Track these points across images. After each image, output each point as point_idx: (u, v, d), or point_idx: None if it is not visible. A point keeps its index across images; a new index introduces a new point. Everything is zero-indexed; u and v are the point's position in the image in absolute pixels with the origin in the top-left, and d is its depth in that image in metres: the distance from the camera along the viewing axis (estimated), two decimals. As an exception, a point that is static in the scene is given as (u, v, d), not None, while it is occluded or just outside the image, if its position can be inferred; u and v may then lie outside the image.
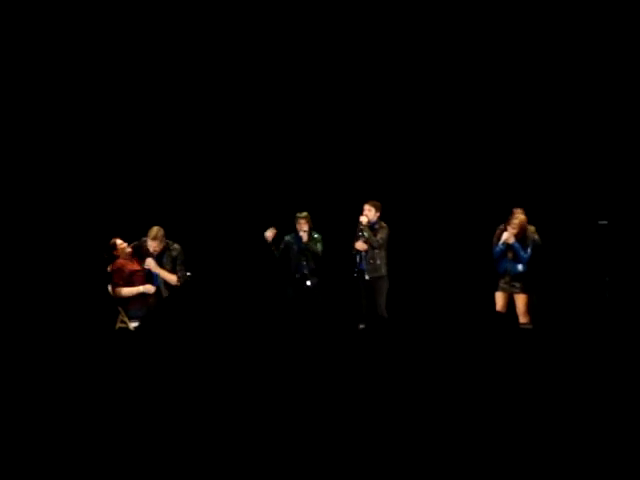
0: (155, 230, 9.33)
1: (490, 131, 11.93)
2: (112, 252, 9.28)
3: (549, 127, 11.73)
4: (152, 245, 9.32)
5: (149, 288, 9.24)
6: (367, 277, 10.26)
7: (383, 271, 10.31)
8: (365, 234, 10.22)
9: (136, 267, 9.28)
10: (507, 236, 9.56)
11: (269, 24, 11.72)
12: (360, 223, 10.28)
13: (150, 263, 9.33)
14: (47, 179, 11.65)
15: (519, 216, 9.60)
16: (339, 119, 12.20)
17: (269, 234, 10.39)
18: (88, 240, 11.22)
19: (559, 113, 11.68)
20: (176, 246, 9.49)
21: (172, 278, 9.36)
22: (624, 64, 11.26)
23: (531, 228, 10.36)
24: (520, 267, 9.58)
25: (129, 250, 9.34)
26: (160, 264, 9.34)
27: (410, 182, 12.02)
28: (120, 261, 9.25)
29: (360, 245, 10.26)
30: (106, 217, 11.40)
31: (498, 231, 9.73)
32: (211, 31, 11.71)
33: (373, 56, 11.93)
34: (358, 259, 10.33)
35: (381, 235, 10.29)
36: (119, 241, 9.34)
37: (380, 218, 10.42)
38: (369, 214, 10.31)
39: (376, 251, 10.26)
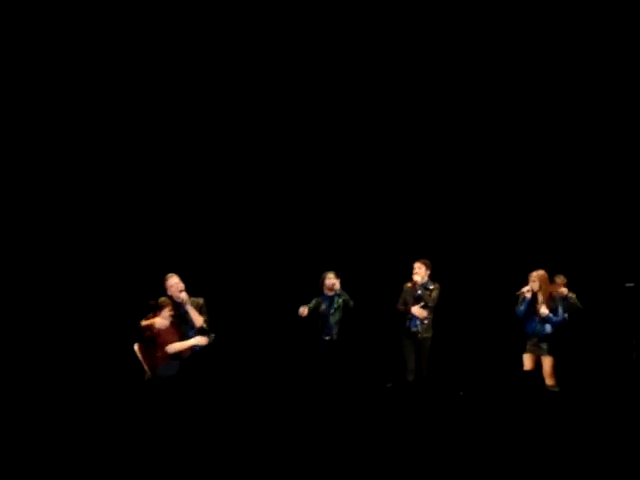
0: (170, 274, 9.33)
1: (519, 190, 11.97)
2: (157, 311, 9.16)
3: (577, 189, 11.77)
4: (177, 282, 9.26)
5: (200, 340, 9.17)
6: (419, 337, 10.15)
7: (431, 331, 10.26)
8: (420, 293, 10.14)
9: (175, 337, 9.16)
10: (527, 289, 9.57)
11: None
12: (414, 282, 10.19)
13: (184, 296, 9.26)
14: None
15: (539, 272, 9.63)
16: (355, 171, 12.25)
17: (304, 311, 10.19)
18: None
19: (587, 174, 11.73)
20: (199, 299, 9.45)
21: (200, 319, 9.27)
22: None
23: (572, 295, 10.42)
24: (548, 328, 9.57)
25: (170, 320, 9.20)
26: (183, 312, 9.27)
27: (436, 240, 12.01)
28: (161, 325, 9.09)
29: (419, 312, 10.17)
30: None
31: (521, 294, 9.73)
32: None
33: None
34: (411, 319, 10.21)
35: (435, 295, 10.22)
36: (171, 307, 9.18)
37: (431, 277, 10.32)
38: (419, 272, 10.24)
39: (428, 310, 10.19)
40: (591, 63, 11.53)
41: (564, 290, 10.50)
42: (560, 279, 10.59)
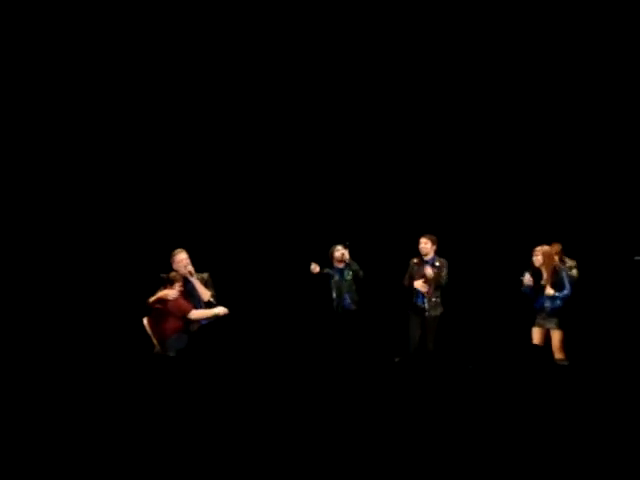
0: (178, 249, 9.37)
1: (524, 165, 11.94)
2: (167, 285, 9.22)
3: (584, 163, 11.74)
4: (184, 258, 9.30)
5: (221, 310, 9.23)
6: (427, 314, 10.13)
7: (440, 309, 10.23)
8: (429, 275, 10.08)
9: (189, 307, 9.20)
10: (528, 277, 9.59)
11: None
12: (420, 258, 10.18)
13: (192, 270, 9.31)
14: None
15: (543, 247, 9.63)
16: (364, 151, 12.25)
17: (316, 268, 10.24)
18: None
19: (593, 151, 11.69)
20: (204, 274, 9.50)
21: (207, 293, 9.33)
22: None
23: (571, 263, 10.39)
24: (557, 302, 9.57)
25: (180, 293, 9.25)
26: (190, 287, 9.33)
27: (443, 214, 12.00)
28: (176, 293, 9.14)
29: (421, 286, 10.15)
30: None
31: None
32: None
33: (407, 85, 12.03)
34: (417, 295, 10.21)
35: (445, 273, 10.19)
36: (181, 282, 9.24)
37: (437, 253, 10.30)
38: (426, 247, 10.22)
39: (438, 289, 10.17)
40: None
41: (571, 263, 10.50)
42: (556, 247, 10.59)
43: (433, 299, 10.13)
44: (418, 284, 10.15)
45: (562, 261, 10.33)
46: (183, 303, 9.12)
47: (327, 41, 11.79)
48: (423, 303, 10.11)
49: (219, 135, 12.20)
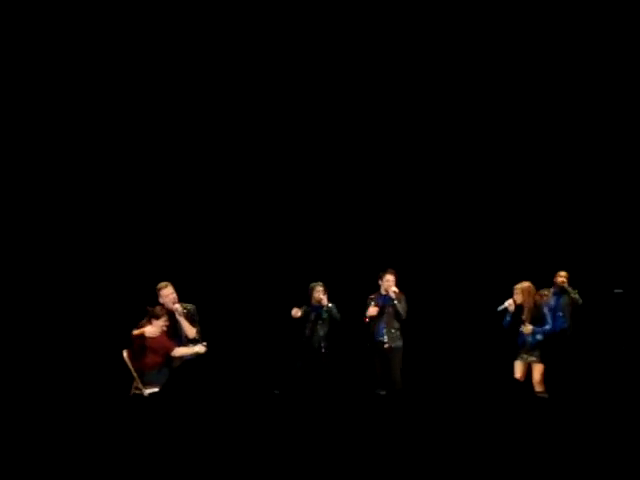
0: (164, 282, 9.34)
1: (508, 199, 12.01)
2: (151, 319, 9.18)
3: (565, 198, 11.82)
4: (170, 292, 9.27)
5: (201, 349, 9.19)
6: (386, 346, 10.12)
7: (401, 341, 10.22)
8: (396, 303, 10.10)
9: (171, 345, 9.18)
10: (509, 302, 9.58)
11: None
12: (388, 292, 10.13)
13: (178, 308, 9.27)
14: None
15: (522, 284, 9.64)
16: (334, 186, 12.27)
17: (297, 312, 10.27)
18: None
19: (576, 181, 11.78)
20: (189, 305, 9.46)
21: (192, 331, 9.29)
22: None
23: (573, 291, 10.45)
24: (538, 336, 9.57)
25: (165, 329, 9.23)
26: (175, 321, 9.29)
27: (425, 247, 12.03)
28: (156, 331, 9.12)
29: (371, 310, 10.16)
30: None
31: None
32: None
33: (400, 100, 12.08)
34: (378, 328, 10.19)
35: (404, 305, 10.18)
36: (166, 317, 9.22)
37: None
38: (391, 281, 10.19)
39: (396, 320, 10.17)
40: (584, 61, 11.58)
41: (564, 280, 10.53)
42: (562, 274, 10.64)
43: (392, 331, 10.14)
44: (371, 310, 10.15)
45: (565, 287, 10.41)
46: (166, 340, 9.08)
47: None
48: (382, 336, 10.12)
49: (204, 172, 12.21)
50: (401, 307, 10.13)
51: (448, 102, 12.05)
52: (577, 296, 10.61)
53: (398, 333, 10.20)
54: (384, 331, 10.15)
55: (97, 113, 11.87)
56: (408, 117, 12.14)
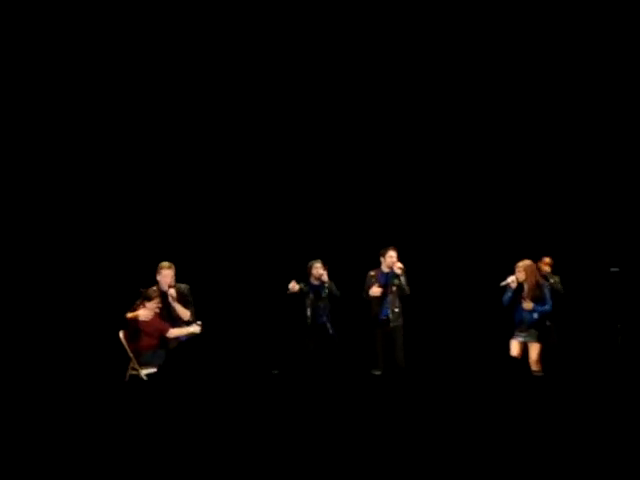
0: (168, 263, 9.34)
1: (504, 179, 12.00)
2: (144, 301, 9.19)
3: (563, 174, 11.82)
4: (169, 275, 9.29)
5: (196, 328, 9.21)
6: (391, 325, 10.10)
7: (402, 319, 10.19)
8: (403, 282, 10.08)
9: (165, 327, 9.18)
10: (512, 279, 9.58)
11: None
12: (393, 269, 10.08)
13: (172, 293, 9.28)
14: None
15: (524, 262, 9.63)
16: (340, 164, 12.25)
17: (295, 286, 10.26)
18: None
19: (572, 160, 11.77)
20: (183, 285, 9.45)
21: (186, 313, 9.31)
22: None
23: (555, 278, 10.44)
24: (535, 316, 9.57)
25: (158, 311, 9.23)
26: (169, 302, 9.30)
27: (423, 226, 12.03)
28: (149, 314, 9.13)
29: (375, 290, 10.13)
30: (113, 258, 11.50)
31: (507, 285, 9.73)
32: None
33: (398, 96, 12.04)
34: (381, 306, 10.16)
35: (406, 281, 10.16)
36: (159, 299, 9.21)
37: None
38: (394, 257, 10.16)
39: (398, 299, 10.15)
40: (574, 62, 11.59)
41: (547, 268, 10.54)
42: (546, 260, 10.63)
43: (396, 310, 10.11)
44: (373, 290, 10.13)
45: (546, 275, 10.40)
46: (159, 322, 9.10)
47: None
48: (386, 315, 10.09)
49: (199, 154, 12.17)
50: (405, 283, 10.13)
51: (439, 93, 12.03)
52: (559, 286, 10.61)
53: (400, 311, 10.20)
54: (388, 310, 10.13)
55: (91, 109, 11.85)
56: (403, 103, 12.11)
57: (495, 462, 4.69)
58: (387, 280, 10.15)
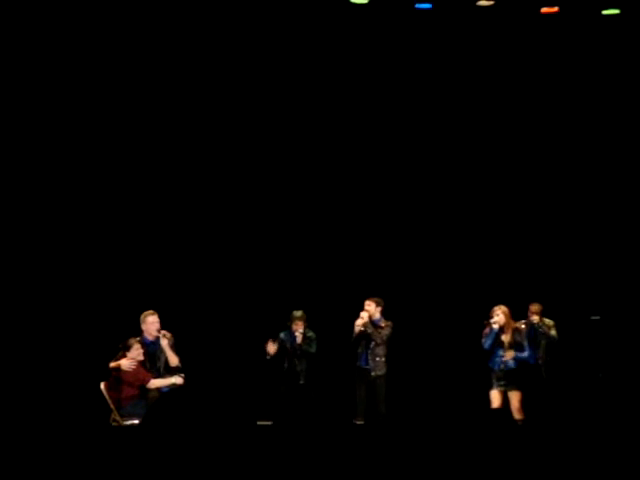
0: (151, 311, 9.33)
1: (482, 225, 12.04)
2: (125, 351, 9.16)
3: (540, 223, 11.88)
4: (156, 322, 9.26)
5: (178, 380, 9.17)
6: (373, 374, 10.11)
7: (385, 369, 10.18)
8: (368, 330, 10.12)
9: (146, 377, 9.14)
10: (494, 321, 9.54)
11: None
12: (361, 319, 10.14)
13: (166, 334, 9.24)
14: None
15: (501, 306, 9.63)
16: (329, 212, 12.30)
17: (272, 349, 10.33)
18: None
19: (550, 209, 11.85)
20: (168, 334, 9.43)
21: (175, 359, 9.28)
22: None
23: (549, 322, 10.47)
24: (512, 363, 9.54)
25: (141, 358, 9.21)
26: (156, 350, 9.27)
27: (403, 279, 12.03)
28: (132, 364, 9.10)
29: (360, 324, 10.08)
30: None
31: (487, 328, 9.71)
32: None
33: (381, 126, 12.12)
34: (362, 355, 10.16)
35: (386, 332, 10.16)
36: (138, 345, 9.20)
37: (383, 314, 10.29)
38: (369, 309, 10.21)
39: (380, 348, 10.14)
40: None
41: (535, 318, 10.55)
42: (534, 307, 10.66)
43: (377, 359, 10.12)
44: (357, 322, 10.13)
45: (541, 321, 10.44)
46: (141, 372, 9.07)
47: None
48: (367, 365, 10.11)
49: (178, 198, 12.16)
50: (376, 333, 10.10)
51: (423, 126, 12.13)
52: (554, 332, 10.63)
53: (383, 360, 10.18)
54: (368, 359, 10.15)
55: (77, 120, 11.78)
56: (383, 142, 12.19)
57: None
58: (365, 331, 10.16)
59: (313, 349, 10.39)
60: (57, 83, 11.58)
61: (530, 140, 11.91)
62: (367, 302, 10.25)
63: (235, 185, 12.17)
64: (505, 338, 9.54)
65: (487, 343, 9.58)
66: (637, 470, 5.36)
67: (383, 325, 10.19)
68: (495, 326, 9.52)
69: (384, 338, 10.13)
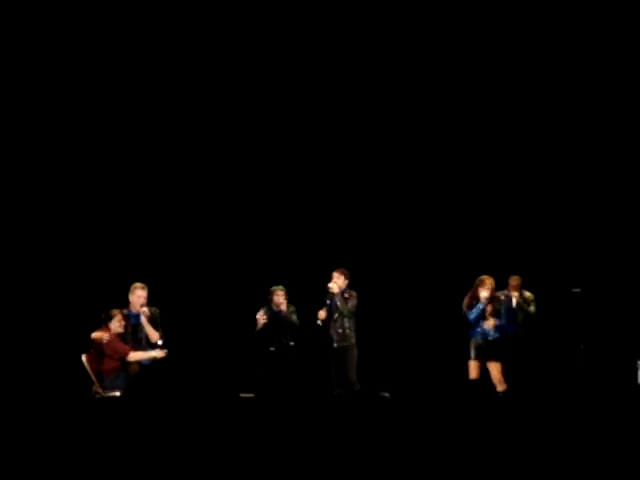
0: (141, 284, 9.34)
1: (465, 194, 12.04)
2: (107, 322, 9.18)
3: (523, 194, 11.89)
4: (143, 296, 9.27)
5: (159, 353, 9.19)
6: (335, 345, 10.15)
7: (352, 340, 10.19)
8: (337, 302, 10.16)
9: (125, 350, 9.15)
10: (484, 295, 9.57)
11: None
12: (329, 290, 10.19)
13: (145, 311, 9.27)
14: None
15: (489, 277, 9.67)
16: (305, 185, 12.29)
17: (262, 319, 10.35)
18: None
19: (533, 179, 11.85)
20: (153, 308, 9.46)
21: (155, 335, 9.30)
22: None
23: (529, 296, 10.50)
24: (492, 333, 9.60)
25: (121, 330, 9.22)
26: (136, 325, 9.30)
27: (380, 250, 12.04)
28: (112, 335, 9.12)
29: (321, 314, 10.14)
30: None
31: (467, 299, 9.75)
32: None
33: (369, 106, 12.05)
34: (327, 328, 10.20)
35: (352, 303, 10.21)
36: (120, 317, 9.21)
37: (349, 286, 10.32)
38: (338, 282, 10.23)
39: (345, 319, 10.18)
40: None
41: (515, 293, 10.59)
42: (514, 280, 10.69)
43: (339, 330, 10.14)
44: (320, 313, 10.16)
45: (520, 294, 10.49)
46: (120, 345, 9.09)
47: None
48: (331, 337, 10.17)
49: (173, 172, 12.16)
50: (342, 304, 10.15)
51: (407, 107, 12.10)
52: (533, 307, 10.67)
53: (347, 332, 10.20)
54: (332, 331, 10.18)
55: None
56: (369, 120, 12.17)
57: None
58: (333, 302, 10.19)
59: (296, 320, 10.41)
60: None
61: (504, 111, 11.88)
62: (335, 274, 10.28)
63: (210, 163, 12.21)
64: (488, 308, 9.59)
65: (473, 315, 9.63)
66: (618, 440, 5.39)
67: (348, 296, 10.22)
68: (484, 301, 9.56)
69: (351, 309, 10.16)
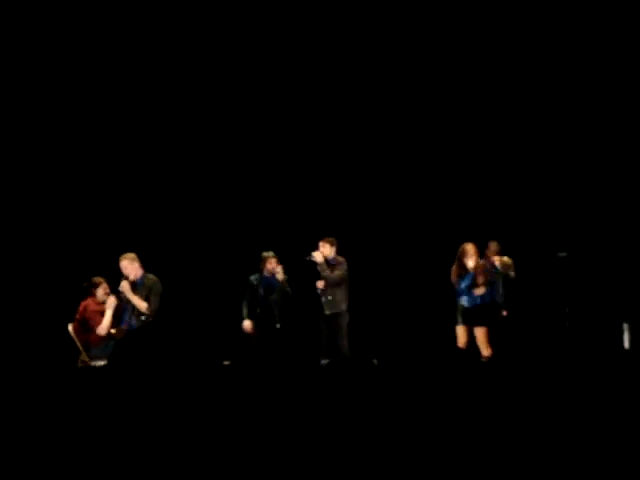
0: (133, 254, 9.28)
1: (448, 163, 12.04)
2: (90, 289, 9.15)
3: (509, 159, 11.88)
4: (123, 267, 9.24)
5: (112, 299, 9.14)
6: (326, 313, 10.16)
7: (343, 307, 10.20)
8: (324, 271, 10.14)
9: (99, 322, 9.12)
10: (470, 265, 9.65)
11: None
12: (311, 259, 10.17)
13: (125, 286, 9.18)
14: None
15: (469, 245, 9.72)
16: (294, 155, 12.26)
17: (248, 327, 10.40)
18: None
19: (520, 146, 11.84)
20: (151, 276, 9.38)
21: (143, 305, 9.19)
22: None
23: (507, 261, 10.52)
24: (478, 299, 9.67)
25: (106, 298, 9.17)
26: (135, 292, 9.24)
27: (369, 216, 12.05)
28: (95, 305, 9.11)
29: (320, 284, 10.16)
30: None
31: (455, 269, 9.81)
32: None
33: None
34: (320, 296, 10.23)
35: (339, 271, 10.21)
36: (105, 285, 9.19)
37: (337, 253, 10.33)
38: (324, 251, 10.23)
39: (335, 287, 10.18)
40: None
41: (496, 258, 10.62)
42: (493, 246, 10.70)
43: (329, 297, 10.14)
44: (319, 283, 10.18)
45: (500, 260, 10.52)
46: (96, 317, 9.04)
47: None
48: (322, 304, 10.18)
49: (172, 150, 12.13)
50: (327, 273, 10.13)
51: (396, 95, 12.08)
52: (512, 272, 10.70)
53: (337, 298, 10.20)
54: (322, 299, 10.19)
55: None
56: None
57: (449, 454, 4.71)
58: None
59: (289, 289, 10.41)
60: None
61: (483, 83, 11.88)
62: (321, 243, 10.28)
63: (198, 137, 12.20)
64: (480, 278, 9.67)
65: (464, 284, 9.70)
66: (604, 405, 5.41)
67: (335, 264, 10.22)
68: (472, 271, 9.65)
69: (335, 279, 10.15)
